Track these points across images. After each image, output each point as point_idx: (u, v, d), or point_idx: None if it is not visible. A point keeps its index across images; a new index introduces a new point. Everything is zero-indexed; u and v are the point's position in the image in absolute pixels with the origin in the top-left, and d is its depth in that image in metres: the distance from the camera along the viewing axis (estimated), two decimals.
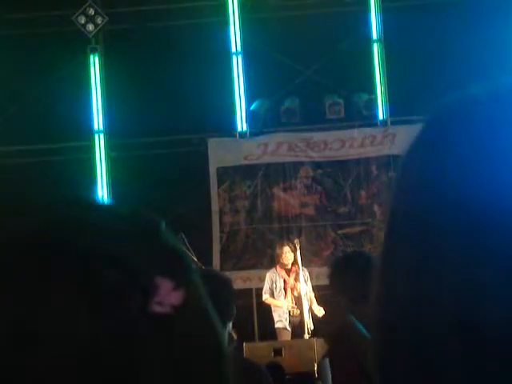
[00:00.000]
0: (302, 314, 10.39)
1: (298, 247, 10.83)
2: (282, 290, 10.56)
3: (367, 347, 0.77)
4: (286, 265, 10.62)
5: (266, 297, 10.67)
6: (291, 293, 10.53)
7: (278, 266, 10.73)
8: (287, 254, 10.62)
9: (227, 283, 3.67)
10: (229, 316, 3.45)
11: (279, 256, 10.71)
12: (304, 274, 10.63)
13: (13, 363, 0.70)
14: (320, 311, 10.36)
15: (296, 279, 10.58)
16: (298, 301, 10.51)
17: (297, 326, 10.42)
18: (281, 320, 10.50)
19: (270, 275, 10.70)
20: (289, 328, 10.45)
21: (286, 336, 10.41)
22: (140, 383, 0.72)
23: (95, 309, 0.72)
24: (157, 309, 0.73)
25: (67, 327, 0.71)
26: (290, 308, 10.46)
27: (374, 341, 0.76)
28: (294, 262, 10.66)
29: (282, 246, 10.86)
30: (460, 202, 0.71)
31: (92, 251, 0.74)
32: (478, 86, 0.78)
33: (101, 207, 0.83)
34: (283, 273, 10.63)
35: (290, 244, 10.96)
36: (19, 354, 0.70)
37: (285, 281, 10.59)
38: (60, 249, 0.73)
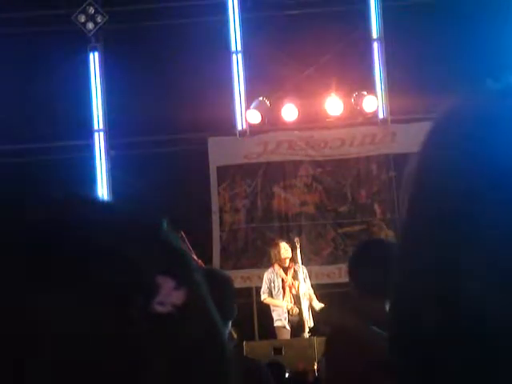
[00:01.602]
0: (301, 312, 10.38)
1: (298, 246, 10.82)
2: (281, 289, 10.52)
3: (378, 344, 0.77)
4: (284, 261, 10.55)
5: (264, 297, 10.64)
6: (289, 291, 10.50)
7: (275, 265, 10.67)
8: (282, 251, 10.54)
9: (228, 282, 3.65)
10: (229, 315, 3.44)
11: (277, 254, 10.63)
12: (303, 272, 10.61)
13: (13, 364, 0.70)
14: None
15: (294, 277, 10.55)
16: (296, 299, 10.49)
17: (296, 325, 10.40)
18: (280, 319, 10.48)
19: (267, 275, 10.65)
20: (288, 327, 10.43)
21: (286, 335, 10.40)
22: (141, 383, 0.72)
23: (95, 309, 0.71)
24: (158, 308, 0.72)
25: (67, 328, 0.70)
26: (289, 307, 10.43)
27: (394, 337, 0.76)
28: (291, 260, 10.63)
29: (277, 243, 10.80)
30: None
31: (92, 250, 0.74)
32: None
33: (101, 206, 0.82)
34: (281, 271, 10.58)
35: (286, 241, 10.93)
36: (19, 355, 0.70)
37: (283, 279, 10.55)
38: (60, 248, 0.73)
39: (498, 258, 0.70)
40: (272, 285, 10.57)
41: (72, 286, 0.72)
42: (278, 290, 10.53)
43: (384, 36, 12.80)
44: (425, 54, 12.28)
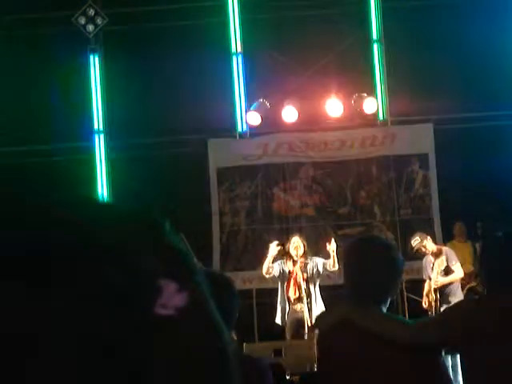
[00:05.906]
0: (303, 310, 10.22)
1: None
2: (286, 280, 10.25)
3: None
4: (292, 255, 10.31)
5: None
6: (294, 284, 10.26)
7: (283, 257, 10.41)
8: (290, 245, 10.33)
9: (229, 284, 3.63)
10: (231, 317, 3.43)
11: (285, 248, 10.39)
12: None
13: (13, 364, 0.70)
14: None
15: (302, 271, 10.27)
16: (300, 293, 10.23)
17: (296, 324, 10.23)
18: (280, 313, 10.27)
19: (277, 264, 10.37)
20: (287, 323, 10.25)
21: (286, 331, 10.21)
22: None
23: (97, 311, 0.71)
24: (160, 311, 0.72)
25: (67, 328, 0.70)
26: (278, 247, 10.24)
27: None
28: (302, 255, 10.35)
29: (288, 238, 10.63)
30: None
31: (94, 252, 0.74)
32: None
33: (102, 207, 0.82)
34: (290, 263, 10.30)
35: (298, 237, 10.69)
36: (19, 355, 0.70)
37: (290, 271, 10.28)
38: (61, 249, 0.73)
39: None
40: (280, 269, 10.28)
41: (73, 287, 0.71)
42: (284, 277, 10.27)
43: (384, 38, 12.80)
44: (425, 56, 12.28)
